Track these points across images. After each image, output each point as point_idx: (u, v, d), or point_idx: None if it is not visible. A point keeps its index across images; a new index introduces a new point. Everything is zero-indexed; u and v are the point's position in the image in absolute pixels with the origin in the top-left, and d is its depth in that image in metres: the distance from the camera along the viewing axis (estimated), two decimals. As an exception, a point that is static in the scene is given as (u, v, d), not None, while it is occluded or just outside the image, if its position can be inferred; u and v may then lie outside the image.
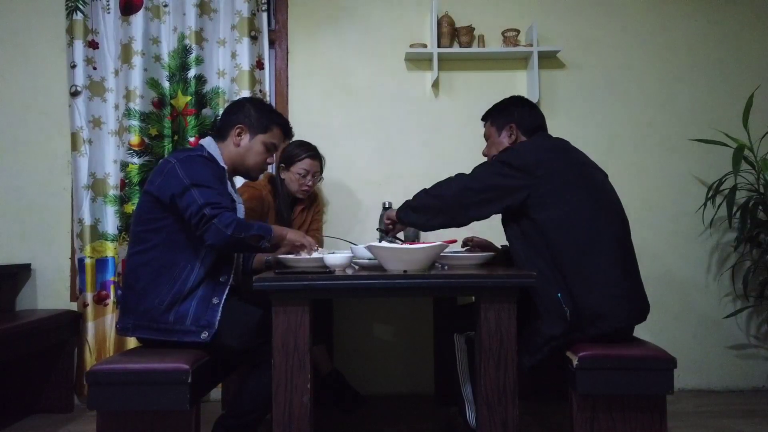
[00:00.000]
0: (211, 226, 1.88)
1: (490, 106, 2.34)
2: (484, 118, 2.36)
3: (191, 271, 1.99)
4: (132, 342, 2.84)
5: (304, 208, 2.86)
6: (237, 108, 2.19)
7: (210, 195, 1.92)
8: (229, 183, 2.14)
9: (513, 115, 2.25)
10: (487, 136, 2.34)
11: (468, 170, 3.09)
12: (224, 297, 2.00)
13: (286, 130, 2.27)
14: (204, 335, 1.95)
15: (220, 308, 1.97)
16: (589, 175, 2.07)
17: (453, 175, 2.17)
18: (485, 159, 2.34)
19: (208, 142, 2.16)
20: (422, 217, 2.16)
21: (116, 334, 2.19)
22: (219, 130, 2.19)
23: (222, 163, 2.11)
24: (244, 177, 2.26)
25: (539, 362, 1.99)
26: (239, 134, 2.15)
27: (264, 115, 2.18)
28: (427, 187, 2.20)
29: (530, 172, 1.99)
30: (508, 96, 2.36)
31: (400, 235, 2.48)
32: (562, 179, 1.99)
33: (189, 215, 1.92)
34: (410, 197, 2.91)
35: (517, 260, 2.09)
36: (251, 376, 2.02)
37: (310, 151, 2.73)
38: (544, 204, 1.99)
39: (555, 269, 1.97)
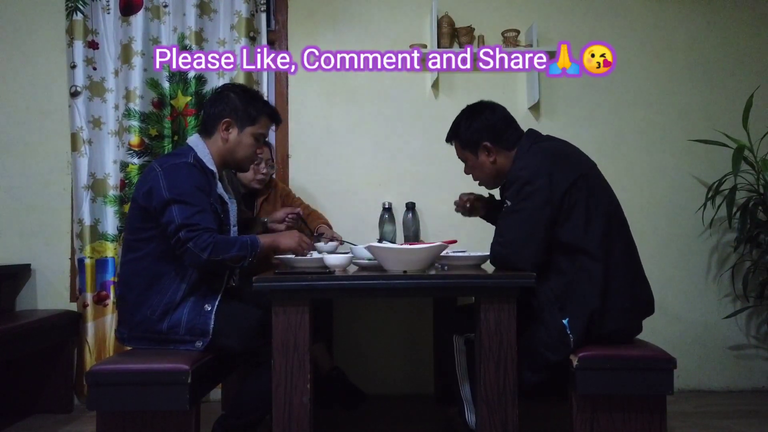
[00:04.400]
0: (186, 249, 1.86)
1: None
2: (449, 139, 2.22)
3: (182, 279, 1.97)
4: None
5: (265, 198, 2.81)
6: (221, 100, 2.08)
7: (188, 214, 1.88)
8: (220, 183, 2.08)
9: (480, 132, 2.10)
10: (463, 159, 2.20)
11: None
12: (216, 303, 1.98)
13: (274, 117, 2.17)
14: (198, 344, 1.95)
15: (213, 315, 1.96)
16: (593, 180, 1.99)
17: (501, 249, 1.96)
18: (471, 176, 2.23)
19: (195, 142, 2.07)
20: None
21: (117, 340, 2.18)
22: (204, 125, 2.10)
23: (211, 165, 2.04)
24: (235, 170, 2.23)
25: (542, 380, 1.95)
26: (227, 128, 2.05)
27: (250, 105, 2.08)
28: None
29: (550, 191, 1.90)
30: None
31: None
32: (575, 193, 1.92)
33: (168, 233, 1.90)
34: (410, 199, 2.94)
35: None
36: (251, 376, 2.02)
37: None
38: (563, 221, 1.92)
39: (568, 293, 1.91)
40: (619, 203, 2.07)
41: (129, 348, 2.05)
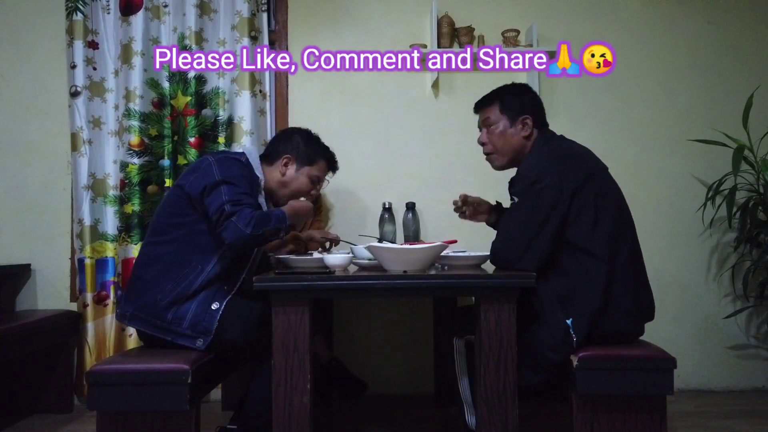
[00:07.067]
0: (230, 223, 1.89)
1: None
2: (487, 101, 2.16)
3: (200, 273, 1.99)
4: (132, 343, 2.85)
5: None
6: (286, 138, 2.27)
7: (234, 193, 1.95)
8: (263, 195, 2.15)
9: (527, 106, 2.10)
10: (490, 122, 2.13)
11: (469, 170, 3.13)
12: (224, 303, 1.99)
13: (332, 164, 2.33)
14: (199, 343, 1.95)
15: (219, 314, 1.97)
16: (602, 182, 1.99)
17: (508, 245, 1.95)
18: (482, 147, 2.18)
19: (249, 151, 2.19)
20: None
21: (115, 317, 2.22)
22: (267, 156, 2.25)
23: (258, 173, 2.14)
24: (278, 204, 2.27)
25: (544, 381, 1.94)
26: (286, 164, 2.21)
27: (311, 147, 2.24)
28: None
29: (559, 197, 1.89)
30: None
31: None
32: (584, 195, 1.91)
33: (212, 212, 1.94)
34: (410, 199, 2.94)
35: None
36: (255, 377, 2.02)
37: None
38: (570, 222, 1.91)
39: (572, 294, 1.90)
40: (628, 208, 2.06)
41: (131, 339, 2.05)
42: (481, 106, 2.20)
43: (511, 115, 2.11)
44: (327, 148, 2.32)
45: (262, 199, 2.14)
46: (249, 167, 2.11)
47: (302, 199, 2.20)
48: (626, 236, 1.98)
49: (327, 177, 2.80)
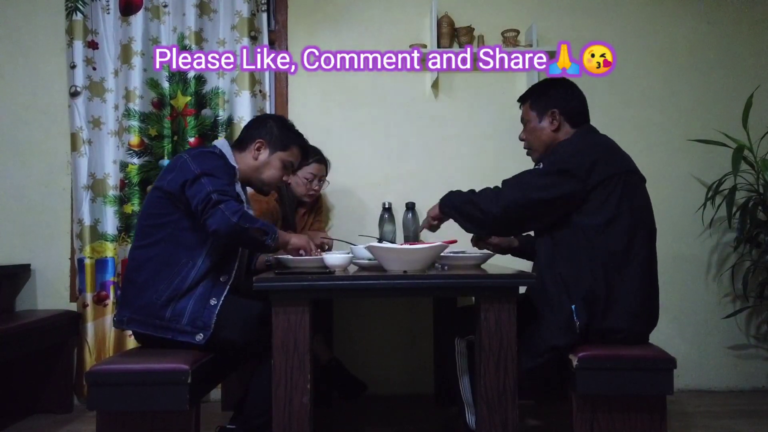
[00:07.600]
0: (217, 210, 1.88)
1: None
2: (522, 99, 2.24)
3: (192, 268, 2.00)
4: (132, 342, 2.84)
5: (306, 211, 2.86)
6: (259, 123, 2.23)
7: (219, 183, 1.95)
8: (239, 184, 2.14)
9: (555, 100, 2.14)
10: (525, 120, 2.22)
11: (469, 170, 3.13)
12: (222, 298, 2.00)
13: (305, 151, 2.33)
14: (199, 337, 1.95)
15: (217, 309, 1.97)
16: (634, 184, 2.01)
17: (500, 186, 2.04)
18: (522, 142, 2.25)
19: (221, 143, 2.19)
20: (467, 226, 2.12)
21: (113, 326, 2.23)
22: (240, 142, 2.22)
23: (233, 162, 2.13)
24: (256, 191, 2.28)
25: (539, 366, 1.96)
26: (258, 149, 2.17)
27: (285, 133, 2.21)
28: (474, 189, 2.10)
29: (584, 178, 1.93)
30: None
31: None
32: (611, 187, 1.94)
33: (196, 203, 1.92)
34: (410, 199, 2.93)
35: (537, 261, 2.05)
36: (255, 376, 2.02)
37: (316, 155, 2.73)
38: (588, 210, 1.94)
39: (577, 279, 1.92)
40: (654, 220, 2.07)
41: (130, 339, 2.05)
42: (520, 105, 2.27)
43: (539, 111, 2.17)
44: (301, 135, 2.29)
45: (238, 188, 2.13)
46: (224, 158, 2.11)
47: (305, 238, 2.15)
48: (644, 241, 1.98)
49: (327, 178, 2.83)
